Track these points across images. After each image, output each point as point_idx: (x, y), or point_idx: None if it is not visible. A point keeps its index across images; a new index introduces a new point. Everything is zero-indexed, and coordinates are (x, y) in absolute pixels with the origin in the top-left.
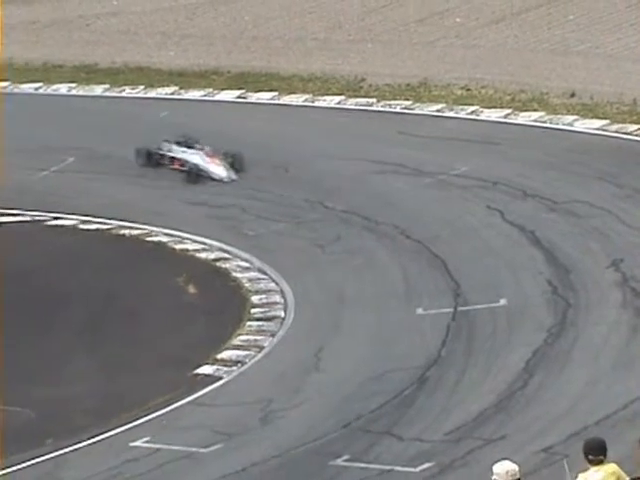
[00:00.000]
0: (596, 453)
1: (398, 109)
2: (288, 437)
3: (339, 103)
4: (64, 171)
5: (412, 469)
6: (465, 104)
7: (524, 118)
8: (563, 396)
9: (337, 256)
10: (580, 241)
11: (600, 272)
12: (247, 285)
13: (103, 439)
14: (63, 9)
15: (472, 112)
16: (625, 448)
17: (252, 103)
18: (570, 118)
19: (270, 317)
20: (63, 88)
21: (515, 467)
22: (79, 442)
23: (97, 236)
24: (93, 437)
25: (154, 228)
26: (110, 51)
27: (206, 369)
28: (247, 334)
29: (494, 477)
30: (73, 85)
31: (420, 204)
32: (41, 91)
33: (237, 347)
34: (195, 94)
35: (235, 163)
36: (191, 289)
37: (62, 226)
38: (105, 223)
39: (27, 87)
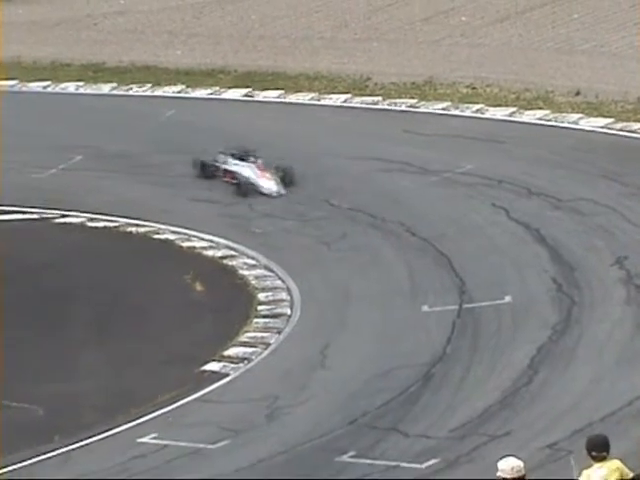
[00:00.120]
0: (599, 450)
1: (404, 107)
2: (294, 433)
3: (345, 102)
4: (72, 169)
5: (418, 465)
6: (470, 102)
7: (529, 116)
8: (568, 393)
9: (343, 254)
10: (585, 239)
11: (605, 270)
12: (254, 282)
13: (110, 435)
14: (71, 8)
15: (477, 110)
16: (630, 444)
17: (259, 102)
18: (575, 116)
19: (276, 314)
20: (71, 87)
21: (520, 463)
22: (86, 438)
23: (105, 234)
24: (100, 433)
25: (161, 226)
26: (117, 50)
27: (213, 366)
28: (254, 331)
29: (499, 473)
30: (81, 84)
31: (425, 202)
32: (49, 90)
33: (244, 344)
34: (202, 93)
35: (286, 178)
36: (198, 286)
37: (70, 224)
38: (113, 221)
39: (35, 86)
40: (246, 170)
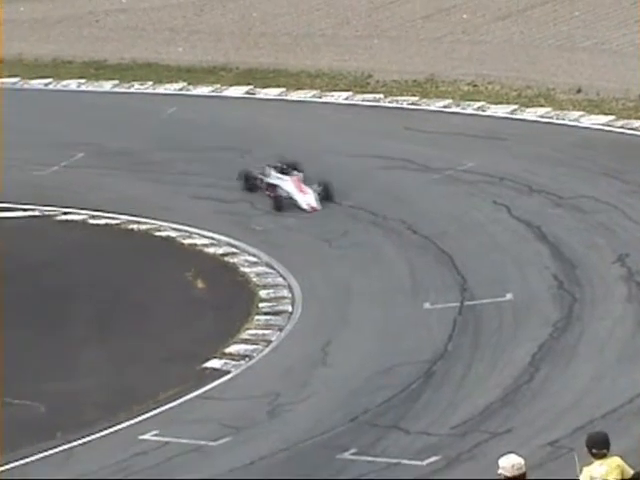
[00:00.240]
0: (600, 447)
1: (405, 105)
2: (296, 430)
3: (347, 99)
4: (73, 166)
5: (419, 462)
6: (472, 100)
7: (530, 114)
8: (569, 390)
9: (344, 251)
10: (586, 236)
11: (606, 267)
12: (255, 280)
13: (112, 432)
14: (73, 6)
15: (478, 108)
16: (631, 441)
17: (260, 99)
18: (576, 114)
19: (278, 311)
20: (72, 84)
21: (521, 460)
22: (88, 435)
23: (106, 231)
24: (102, 430)
25: (163, 223)
26: (119, 47)
27: (214, 363)
28: (255, 328)
29: (500, 470)
30: (82, 81)
31: (427, 200)
32: (51, 87)
33: (245, 341)
34: (203, 90)
35: (325, 193)
36: (199, 284)
37: (71, 221)
38: (114, 218)
39: (37, 83)
40: (286, 184)
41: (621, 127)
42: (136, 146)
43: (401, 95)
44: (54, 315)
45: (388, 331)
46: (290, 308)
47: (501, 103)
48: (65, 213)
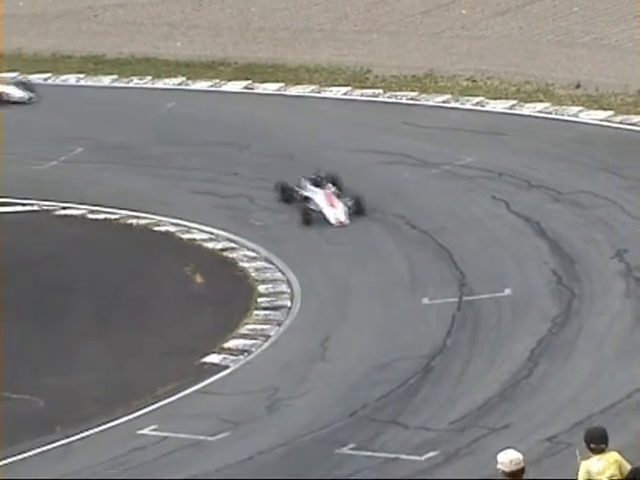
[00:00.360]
0: (598, 442)
1: (404, 100)
2: (294, 425)
3: (345, 94)
4: (72, 161)
5: (417, 457)
6: (471, 95)
7: (529, 109)
8: (567, 385)
9: (343, 246)
10: (585, 232)
11: (604, 262)
12: (254, 275)
13: (111, 427)
14: (72, 0)
15: (477, 103)
16: (629, 436)
17: (259, 94)
18: (575, 109)
19: (276, 306)
20: (71, 79)
21: (519, 456)
22: (87, 430)
23: (105, 226)
24: (101, 425)
25: (162, 218)
26: (118, 42)
27: (213, 358)
28: (254, 323)
29: (498, 466)
30: (81, 76)
31: (426, 195)
32: (50, 81)
33: (244, 336)
34: (202, 85)
35: (356, 207)
36: (198, 278)
37: (70, 216)
38: (113, 213)
39: (36, 77)
40: (318, 197)
41: (620, 122)
42: (135, 141)
43: (400, 90)
44: (53, 310)
45: (387, 326)
46: (289, 303)
47: (500, 98)
48: (64, 208)
